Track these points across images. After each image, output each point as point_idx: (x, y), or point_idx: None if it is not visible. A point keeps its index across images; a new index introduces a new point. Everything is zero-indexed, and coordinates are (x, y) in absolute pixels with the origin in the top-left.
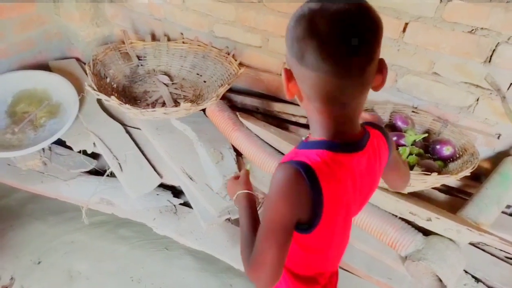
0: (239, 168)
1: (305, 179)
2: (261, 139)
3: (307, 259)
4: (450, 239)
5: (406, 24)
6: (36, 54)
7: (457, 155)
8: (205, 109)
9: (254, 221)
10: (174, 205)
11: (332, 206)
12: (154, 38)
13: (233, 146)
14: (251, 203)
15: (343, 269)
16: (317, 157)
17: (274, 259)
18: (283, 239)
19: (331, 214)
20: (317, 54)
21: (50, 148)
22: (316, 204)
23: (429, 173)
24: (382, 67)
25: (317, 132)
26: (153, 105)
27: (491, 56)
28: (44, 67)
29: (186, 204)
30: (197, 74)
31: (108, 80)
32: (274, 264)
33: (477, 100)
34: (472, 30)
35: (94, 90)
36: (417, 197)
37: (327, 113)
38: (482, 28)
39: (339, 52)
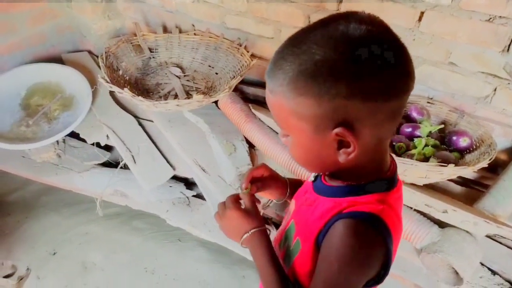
0: (252, 160)
1: (381, 236)
2: (274, 130)
3: None
4: (467, 231)
5: (422, 13)
6: (49, 47)
7: (474, 146)
8: (217, 101)
9: (283, 272)
10: (187, 197)
11: (395, 250)
12: (165, 30)
13: (245, 138)
14: (269, 244)
15: None
16: (378, 204)
17: None
18: None
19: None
20: (404, 72)
21: (64, 141)
22: (389, 256)
23: (445, 164)
24: None
25: (359, 175)
26: (166, 97)
27: (509, 45)
28: (57, 60)
29: (199, 196)
30: (209, 66)
31: (120, 72)
32: None
33: (495, 90)
34: (490, 18)
35: (107, 82)
36: (433, 189)
37: (379, 149)
38: (500, 17)
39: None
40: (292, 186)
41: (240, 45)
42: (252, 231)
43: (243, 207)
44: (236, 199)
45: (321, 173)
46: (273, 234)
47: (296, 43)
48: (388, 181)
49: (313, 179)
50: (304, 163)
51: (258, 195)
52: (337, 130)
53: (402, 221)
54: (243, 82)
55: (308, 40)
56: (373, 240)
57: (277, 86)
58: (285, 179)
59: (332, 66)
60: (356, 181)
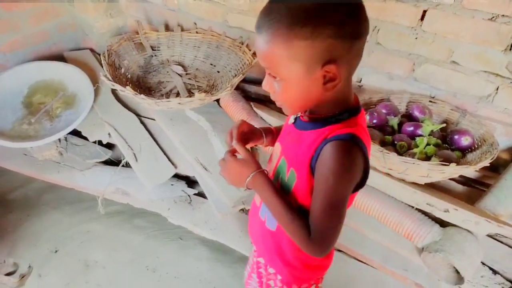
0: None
1: (361, 150)
2: None
3: None
4: (468, 231)
5: (425, 11)
6: (51, 45)
7: (476, 146)
8: (219, 99)
9: (285, 198)
10: (189, 195)
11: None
12: (167, 28)
13: None
14: (269, 180)
15: (358, 260)
16: (353, 125)
17: (340, 229)
18: (345, 209)
19: None
20: (365, 19)
21: (66, 139)
22: (367, 167)
23: (447, 163)
24: None
25: (333, 107)
26: (167, 95)
27: None
28: (59, 58)
29: (200, 194)
30: (211, 64)
31: (122, 70)
32: (339, 233)
33: (497, 89)
34: (493, 17)
35: (109, 80)
36: (434, 188)
37: (348, 83)
38: (503, 15)
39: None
40: (268, 133)
41: (242, 44)
42: (252, 174)
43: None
44: (232, 152)
45: (299, 114)
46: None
47: None
48: (355, 108)
49: (293, 121)
50: (292, 104)
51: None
52: (327, 66)
53: (369, 134)
54: (244, 80)
55: None
56: (356, 152)
57: (273, 34)
58: (260, 130)
59: (323, 13)
60: (332, 112)
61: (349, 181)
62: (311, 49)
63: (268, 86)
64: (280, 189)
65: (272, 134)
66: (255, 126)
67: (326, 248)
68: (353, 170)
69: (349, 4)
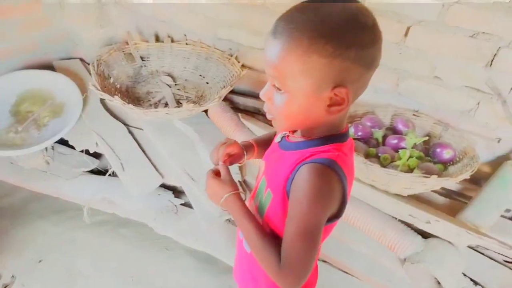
0: (240, 169)
1: (338, 176)
2: None
3: None
4: (449, 242)
5: (408, 28)
6: (41, 54)
7: (457, 159)
8: (207, 110)
9: (257, 222)
10: (175, 205)
11: (348, 193)
12: (158, 39)
13: None
14: (241, 202)
15: (342, 271)
16: (335, 151)
17: (312, 260)
18: (319, 238)
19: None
20: (380, 52)
21: (53, 147)
22: (345, 195)
23: (428, 176)
24: None
25: (320, 131)
26: (156, 105)
27: (492, 60)
28: (48, 67)
29: (187, 204)
30: (200, 75)
31: (111, 80)
32: (311, 265)
33: (478, 104)
34: (474, 34)
35: (98, 90)
36: (417, 199)
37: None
38: (483, 33)
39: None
40: (249, 150)
41: (231, 56)
42: (226, 195)
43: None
44: (216, 172)
45: (286, 134)
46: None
47: (314, 6)
48: (342, 135)
49: (279, 140)
50: (289, 119)
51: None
52: (337, 89)
53: (354, 166)
54: (233, 92)
55: (327, 6)
56: (332, 179)
57: (292, 43)
58: (243, 149)
59: (349, 33)
60: (318, 136)
61: (324, 207)
62: (328, 68)
63: (266, 96)
64: (257, 211)
65: (252, 150)
66: (238, 142)
67: (297, 279)
68: (328, 196)
69: (373, 32)
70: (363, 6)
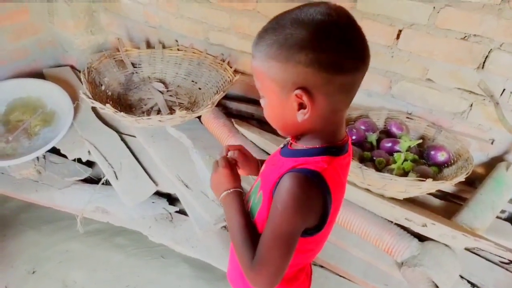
0: None
1: (319, 189)
2: (256, 145)
3: (296, 260)
4: (446, 245)
5: (400, 31)
6: (30, 62)
7: (452, 161)
8: (200, 116)
9: (247, 220)
10: (170, 213)
11: (335, 208)
12: (149, 45)
13: None
14: (242, 201)
15: (339, 275)
16: (324, 164)
17: (283, 265)
18: (293, 246)
19: (333, 216)
20: (357, 56)
21: (44, 157)
22: (326, 210)
23: (424, 179)
24: None
25: (315, 140)
26: (148, 112)
27: (484, 62)
28: (38, 75)
29: (181, 212)
30: (192, 81)
31: (103, 87)
32: (282, 270)
33: (471, 106)
34: (465, 36)
35: (89, 98)
36: (412, 203)
37: (333, 119)
38: (475, 35)
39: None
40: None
41: (223, 61)
42: (229, 190)
43: None
44: (228, 161)
45: (289, 141)
46: None
47: (277, 20)
48: (338, 148)
49: (282, 146)
50: (273, 122)
51: None
52: (296, 91)
53: (345, 184)
54: (226, 97)
55: (285, 18)
56: (312, 191)
57: (258, 52)
58: (257, 160)
59: (298, 39)
60: (312, 145)
61: (299, 217)
62: (283, 71)
63: (261, 103)
64: (249, 211)
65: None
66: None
67: (266, 279)
68: (305, 206)
69: (334, 36)
70: (330, 8)
